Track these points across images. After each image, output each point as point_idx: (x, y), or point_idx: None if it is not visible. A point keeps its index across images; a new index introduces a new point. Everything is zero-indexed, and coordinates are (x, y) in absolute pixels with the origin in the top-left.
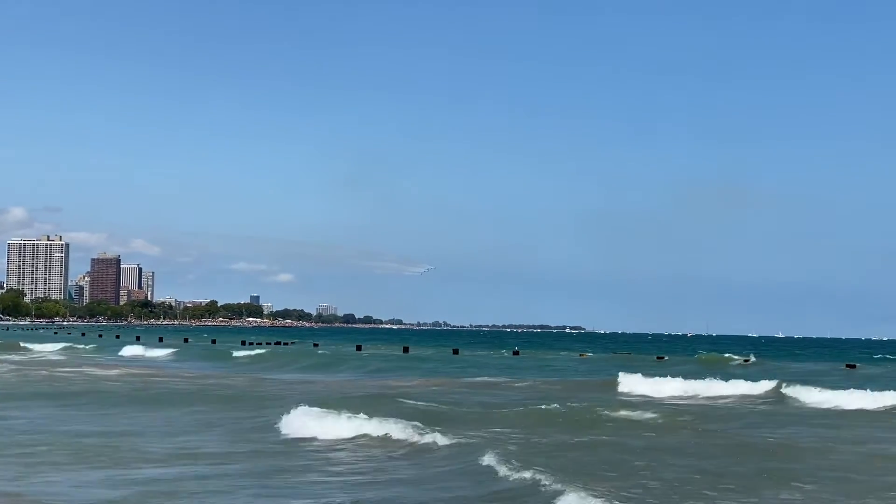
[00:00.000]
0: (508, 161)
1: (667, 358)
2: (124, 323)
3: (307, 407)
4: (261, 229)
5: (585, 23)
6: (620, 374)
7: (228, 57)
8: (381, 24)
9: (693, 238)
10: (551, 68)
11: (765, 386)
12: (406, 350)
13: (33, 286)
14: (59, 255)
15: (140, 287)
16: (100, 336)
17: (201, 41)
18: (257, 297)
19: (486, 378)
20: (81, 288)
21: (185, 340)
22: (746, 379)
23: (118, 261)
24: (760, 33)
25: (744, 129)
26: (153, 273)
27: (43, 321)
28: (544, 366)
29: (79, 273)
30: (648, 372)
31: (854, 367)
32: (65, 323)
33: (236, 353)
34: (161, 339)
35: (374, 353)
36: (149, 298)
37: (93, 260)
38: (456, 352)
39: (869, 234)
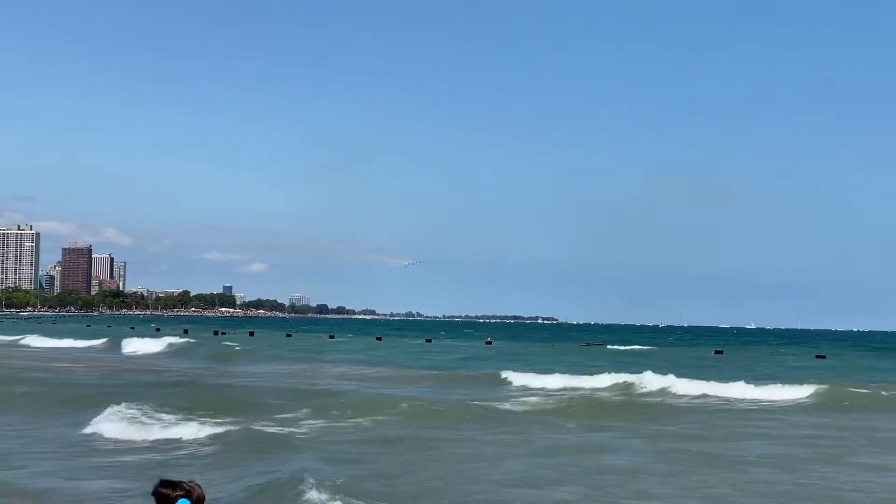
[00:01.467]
0: (482, 151)
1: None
2: (95, 313)
3: (124, 407)
4: (234, 219)
5: (563, 12)
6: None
7: (204, 48)
8: (357, 12)
9: (667, 230)
10: (526, 57)
11: (647, 379)
12: (379, 339)
13: (3, 276)
14: (30, 244)
15: (112, 277)
16: (80, 326)
17: (179, 32)
18: (230, 288)
19: (435, 371)
20: (52, 278)
21: (88, 326)
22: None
23: (89, 250)
24: (737, 28)
25: (719, 123)
26: (125, 263)
27: (13, 311)
28: (516, 356)
29: (50, 262)
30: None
31: (824, 357)
32: (25, 314)
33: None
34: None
35: (345, 342)
36: (120, 288)
37: (64, 249)
38: (429, 341)
39: (843, 227)
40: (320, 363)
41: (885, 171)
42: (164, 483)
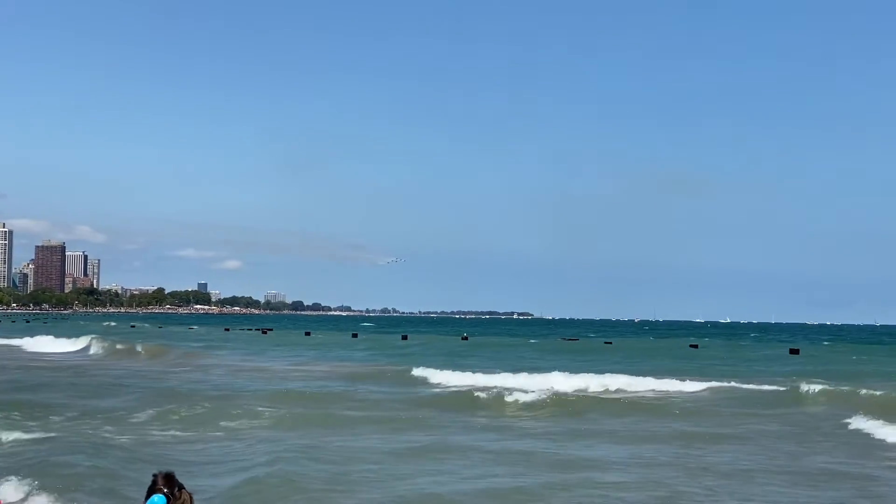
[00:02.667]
0: (457, 146)
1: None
2: (69, 311)
3: None
4: (208, 216)
5: (530, 10)
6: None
7: (175, 46)
8: (323, 8)
9: (643, 225)
10: (499, 49)
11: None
12: (355, 336)
13: None
14: (3, 242)
15: (86, 275)
16: (45, 323)
17: (150, 30)
18: (205, 285)
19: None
20: (26, 276)
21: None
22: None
23: (63, 248)
24: (708, 25)
25: (694, 116)
26: (99, 260)
27: None
28: (490, 352)
29: (23, 261)
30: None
31: (797, 352)
32: None
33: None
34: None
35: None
36: (94, 286)
37: (37, 247)
38: (405, 338)
39: (817, 222)
40: (273, 359)
41: (858, 166)
42: (167, 475)
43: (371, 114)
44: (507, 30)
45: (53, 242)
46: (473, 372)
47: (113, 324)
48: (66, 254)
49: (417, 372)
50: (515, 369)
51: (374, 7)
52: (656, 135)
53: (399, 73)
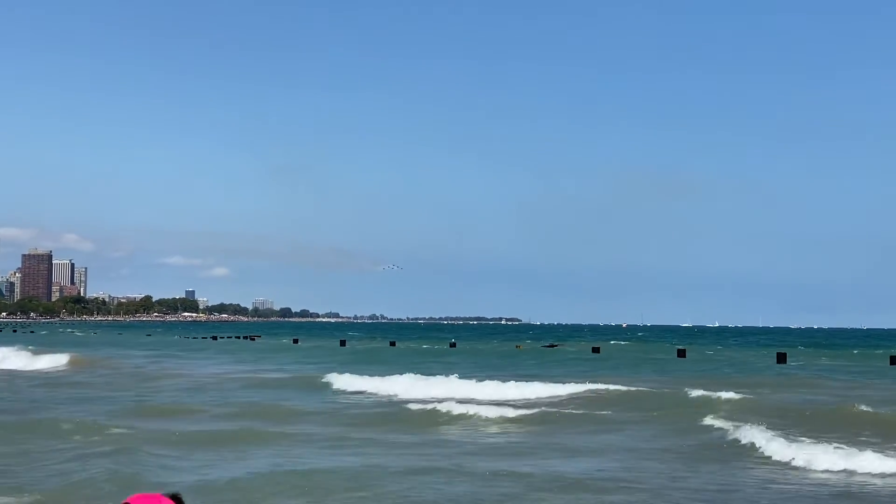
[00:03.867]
0: (444, 151)
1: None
2: (56, 319)
3: None
4: (195, 223)
5: (519, 11)
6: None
7: (159, 48)
8: (308, 12)
9: (630, 228)
10: (484, 55)
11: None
12: (343, 343)
13: None
14: None
15: (73, 283)
16: (32, 332)
17: (131, 30)
18: (193, 292)
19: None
20: (12, 284)
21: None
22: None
23: (49, 256)
24: (700, 25)
25: (681, 119)
26: (86, 269)
27: None
28: (477, 359)
29: (9, 269)
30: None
31: (784, 356)
32: None
33: None
34: None
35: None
36: (82, 294)
37: (23, 255)
38: (393, 344)
39: (804, 225)
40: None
41: (846, 171)
42: (174, 496)
43: (358, 120)
44: (497, 32)
45: (40, 251)
46: (447, 375)
47: (94, 333)
48: (53, 262)
49: (412, 379)
50: (483, 378)
51: (361, 14)
52: (644, 139)
53: (386, 80)
